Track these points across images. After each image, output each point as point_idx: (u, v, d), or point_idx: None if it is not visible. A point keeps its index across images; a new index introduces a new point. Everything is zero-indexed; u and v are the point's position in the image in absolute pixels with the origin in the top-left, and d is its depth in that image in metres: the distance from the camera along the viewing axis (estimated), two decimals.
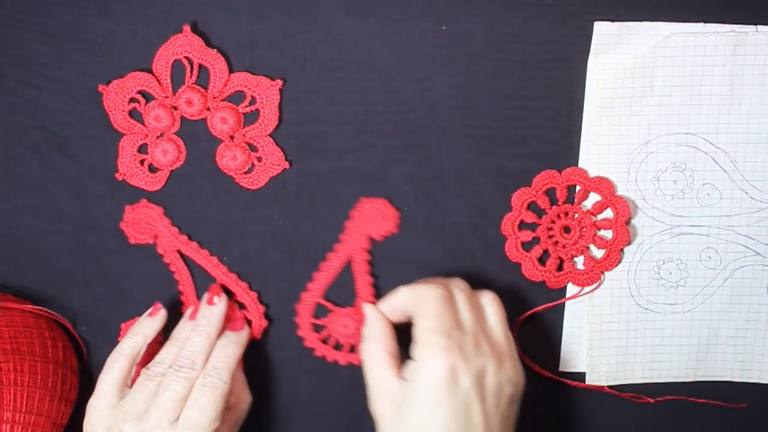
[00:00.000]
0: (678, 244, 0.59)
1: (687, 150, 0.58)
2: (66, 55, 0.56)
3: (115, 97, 0.56)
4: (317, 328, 0.59)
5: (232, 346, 0.55)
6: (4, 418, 0.52)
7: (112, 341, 0.59)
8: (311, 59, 0.56)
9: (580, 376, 0.61)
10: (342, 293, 0.59)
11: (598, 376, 0.61)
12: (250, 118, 0.57)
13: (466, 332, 0.52)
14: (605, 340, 0.60)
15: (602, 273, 0.59)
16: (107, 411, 0.54)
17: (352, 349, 0.59)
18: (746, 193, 0.58)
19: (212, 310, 0.56)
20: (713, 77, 0.56)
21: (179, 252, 0.58)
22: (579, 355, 0.60)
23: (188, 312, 0.57)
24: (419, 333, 0.52)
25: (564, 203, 0.58)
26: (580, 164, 0.58)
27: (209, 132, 0.57)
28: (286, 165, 0.57)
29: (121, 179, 0.57)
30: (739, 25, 0.56)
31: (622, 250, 0.59)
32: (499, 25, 0.56)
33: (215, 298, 0.57)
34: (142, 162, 0.57)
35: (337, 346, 0.59)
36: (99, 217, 0.58)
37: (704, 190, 0.58)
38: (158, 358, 0.55)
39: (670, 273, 0.59)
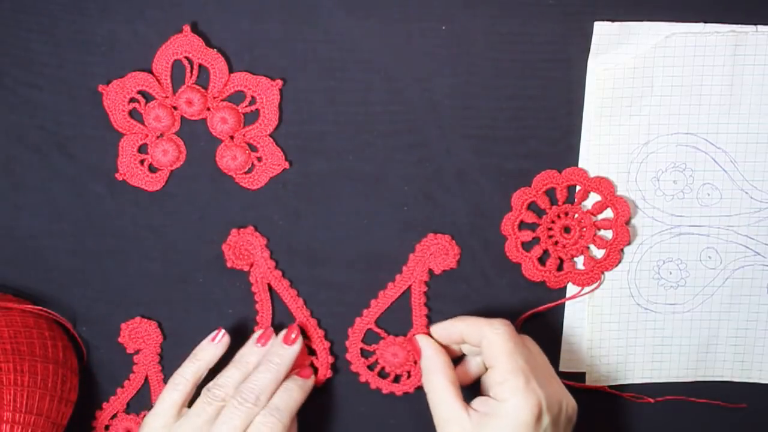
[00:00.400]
0: (678, 244, 0.59)
1: (687, 150, 0.58)
2: (66, 55, 0.56)
3: (115, 97, 0.56)
4: (365, 354, 0.60)
5: (298, 390, 0.56)
6: (4, 418, 0.52)
7: (112, 341, 0.59)
8: (311, 59, 0.56)
9: (580, 376, 0.61)
10: (391, 322, 0.59)
11: (598, 376, 0.61)
12: (250, 118, 0.57)
13: (539, 373, 0.53)
14: (605, 340, 0.60)
15: (602, 273, 0.59)
16: (163, 430, 0.54)
17: (397, 378, 0.60)
18: (746, 193, 0.58)
19: (287, 350, 0.56)
20: (713, 77, 0.56)
21: (269, 285, 0.59)
22: (579, 355, 0.60)
23: (256, 335, 0.57)
24: (499, 376, 0.53)
25: (564, 203, 0.58)
26: (580, 164, 0.58)
27: (209, 132, 0.57)
28: (286, 165, 0.57)
29: (121, 179, 0.57)
30: (739, 25, 0.56)
31: (622, 250, 0.59)
32: (499, 25, 0.56)
33: (293, 336, 0.57)
34: (142, 162, 0.57)
35: (382, 374, 0.60)
36: (99, 217, 0.58)
37: (704, 190, 0.58)
38: (220, 380, 0.55)
39: (670, 273, 0.59)
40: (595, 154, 0.58)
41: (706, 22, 0.56)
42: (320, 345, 0.59)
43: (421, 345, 0.57)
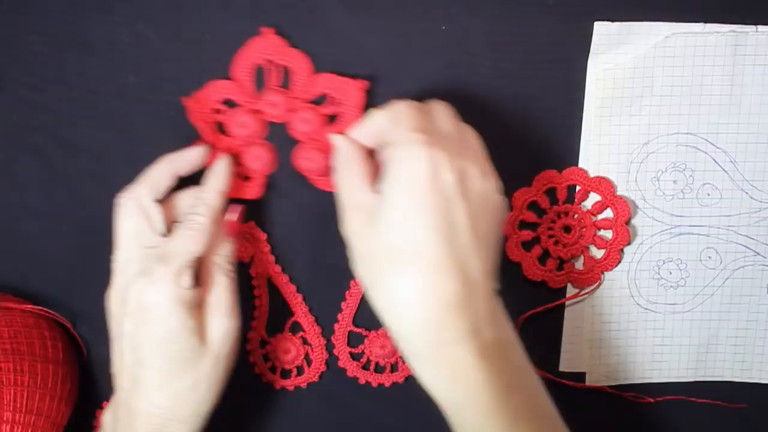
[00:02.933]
0: (678, 244, 0.59)
1: (687, 150, 0.58)
2: (66, 56, 0.56)
3: (199, 109, 0.55)
4: (355, 357, 0.60)
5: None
6: (4, 418, 0.53)
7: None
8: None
9: (580, 376, 0.61)
10: (369, 317, 0.59)
11: (598, 376, 0.61)
12: (332, 119, 0.56)
13: (445, 137, 0.49)
14: (605, 340, 0.60)
15: (602, 273, 0.59)
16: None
17: (393, 368, 0.60)
18: (746, 193, 0.58)
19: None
20: (713, 77, 0.56)
21: (268, 279, 0.59)
22: (579, 355, 0.60)
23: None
24: (395, 136, 0.48)
25: (564, 203, 0.58)
26: (580, 164, 0.58)
27: (290, 134, 0.56)
28: None
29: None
30: (739, 25, 0.56)
31: (621, 250, 0.59)
32: (499, 25, 0.56)
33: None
34: (236, 172, 0.56)
35: (377, 368, 0.60)
36: (99, 217, 0.58)
37: (704, 190, 0.58)
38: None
39: (670, 273, 0.59)
40: (595, 154, 0.58)
41: (706, 22, 0.56)
42: (317, 341, 0.59)
43: (334, 142, 0.53)
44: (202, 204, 0.53)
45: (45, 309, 0.58)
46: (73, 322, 0.59)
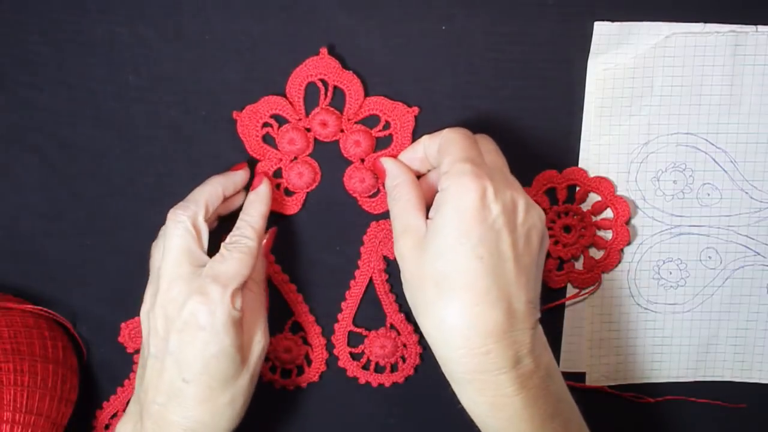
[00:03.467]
0: (678, 244, 0.59)
1: (687, 150, 0.58)
2: (66, 56, 0.56)
3: (249, 122, 0.56)
4: (355, 357, 0.60)
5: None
6: (4, 418, 0.53)
7: (112, 341, 0.59)
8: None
9: (580, 376, 0.61)
10: (369, 317, 0.60)
11: (598, 376, 0.61)
12: (382, 142, 0.57)
13: (492, 168, 0.50)
14: (605, 340, 0.60)
15: (602, 273, 0.59)
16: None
17: (393, 368, 0.60)
18: (746, 193, 0.58)
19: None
20: (713, 77, 0.56)
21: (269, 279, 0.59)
22: (579, 355, 0.60)
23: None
24: (446, 166, 0.50)
25: (564, 203, 0.58)
26: (580, 164, 0.58)
27: (341, 154, 0.57)
28: None
29: None
30: (739, 25, 0.56)
31: (621, 250, 0.59)
32: (499, 25, 0.56)
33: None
34: (277, 186, 0.57)
35: (378, 369, 0.60)
36: (99, 217, 0.58)
37: (704, 190, 0.58)
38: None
39: (670, 273, 0.59)
40: (595, 154, 0.58)
41: (706, 22, 0.56)
42: (317, 341, 0.59)
43: (386, 166, 0.55)
44: (249, 227, 0.54)
45: (45, 309, 0.58)
46: (73, 322, 0.59)
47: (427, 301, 0.49)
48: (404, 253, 0.50)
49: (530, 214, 0.50)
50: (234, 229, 0.54)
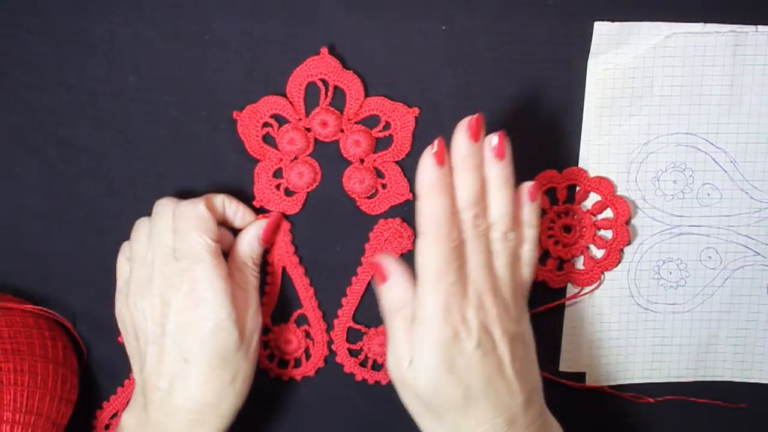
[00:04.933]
0: (678, 244, 0.59)
1: (687, 150, 0.58)
2: (66, 56, 0.56)
3: (249, 122, 0.56)
4: (353, 353, 0.60)
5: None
6: (4, 418, 0.53)
7: (112, 341, 0.59)
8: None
9: (580, 376, 0.61)
10: (369, 314, 0.59)
11: (598, 376, 0.61)
12: (382, 143, 0.57)
13: (468, 298, 0.50)
14: (605, 340, 0.60)
15: (602, 273, 0.59)
16: None
17: (379, 367, 0.60)
18: (746, 193, 0.58)
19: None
20: (713, 77, 0.56)
21: (283, 269, 0.59)
22: (579, 355, 0.60)
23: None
24: (416, 303, 0.50)
25: (564, 203, 0.58)
26: (580, 164, 0.58)
27: (340, 154, 0.57)
28: (410, 196, 0.57)
29: (258, 206, 0.57)
30: (739, 25, 0.56)
31: (621, 250, 0.59)
32: (499, 25, 0.56)
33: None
34: (278, 186, 0.57)
35: (376, 367, 0.60)
36: (99, 217, 0.58)
37: (704, 190, 0.58)
38: None
39: (670, 273, 0.59)
40: (595, 154, 0.58)
41: (706, 22, 0.56)
42: (320, 337, 0.59)
43: (385, 265, 0.53)
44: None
45: (45, 309, 0.58)
46: (73, 322, 0.59)
47: (431, 411, 0.51)
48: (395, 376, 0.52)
49: (504, 324, 0.50)
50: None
